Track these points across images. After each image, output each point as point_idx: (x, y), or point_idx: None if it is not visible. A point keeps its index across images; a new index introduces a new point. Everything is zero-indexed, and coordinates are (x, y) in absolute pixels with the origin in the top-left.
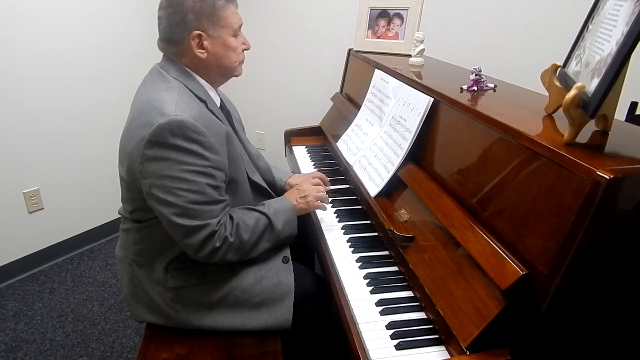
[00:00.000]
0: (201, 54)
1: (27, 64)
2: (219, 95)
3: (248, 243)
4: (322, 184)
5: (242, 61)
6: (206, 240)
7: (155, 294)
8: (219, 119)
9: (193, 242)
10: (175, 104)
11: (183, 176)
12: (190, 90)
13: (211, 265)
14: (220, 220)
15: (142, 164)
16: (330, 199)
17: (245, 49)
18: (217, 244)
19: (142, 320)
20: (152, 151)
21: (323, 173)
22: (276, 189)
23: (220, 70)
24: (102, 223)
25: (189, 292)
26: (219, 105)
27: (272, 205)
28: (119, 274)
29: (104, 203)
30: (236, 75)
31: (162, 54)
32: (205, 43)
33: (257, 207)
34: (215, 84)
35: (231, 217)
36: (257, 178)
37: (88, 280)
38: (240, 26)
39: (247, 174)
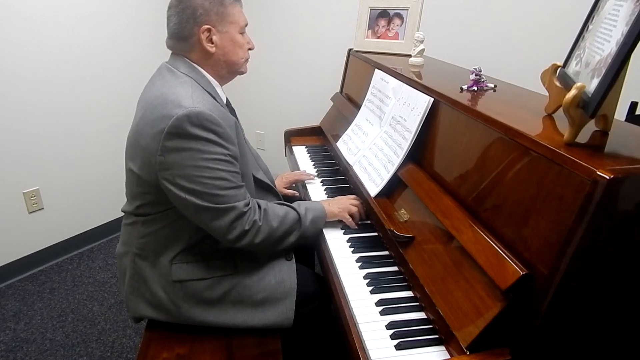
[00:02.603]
0: (210, 47)
1: (27, 63)
2: (224, 93)
3: (277, 231)
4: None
5: (247, 59)
6: (234, 221)
7: (158, 288)
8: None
9: (222, 224)
10: (191, 96)
11: (206, 165)
12: (200, 86)
13: (215, 259)
14: (248, 203)
15: (162, 155)
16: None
17: (249, 48)
18: (247, 227)
19: (142, 316)
20: (173, 142)
21: (323, 173)
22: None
23: (228, 66)
24: (102, 223)
25: (191, 286)
26: (225, 102)
27: (302, 204)
28: (119, 271)
29: (104, 203)
30: (241, 73)
31: (165, 54)
32: (214, 38)
33: (287, 203)
34: (222, 80)
35: (259, 205)
36: (261, 175)
37: (88, 280)
38: (245, 25)
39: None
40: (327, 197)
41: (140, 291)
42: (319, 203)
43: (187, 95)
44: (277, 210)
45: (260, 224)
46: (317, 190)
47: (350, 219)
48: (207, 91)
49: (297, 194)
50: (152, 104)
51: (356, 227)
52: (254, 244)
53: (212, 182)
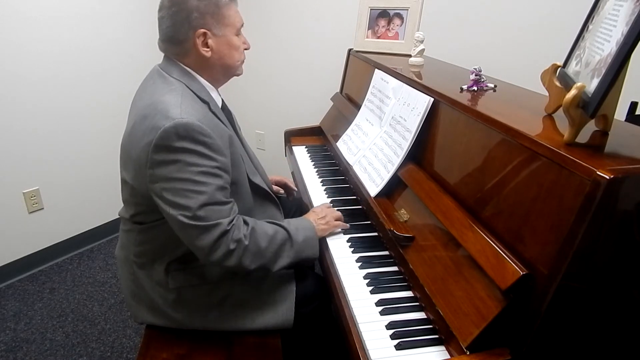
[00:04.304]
0: (205, 52)
1: (27, 64)
2: (220, 95)
3: (267, 252)
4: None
5: (243, 61)
6: (218, 240)
7: (157, 295)
8: (221, 122)
9: (205, 243)
10: (180, 106)
11: (192, 177)
12: (193, 91)
13: (211, 265)
14: (232, 220)
15: (151, 168)
16: (330, 199)
17: (245, 49)
18: (232, 246)
19: (143, 322)
20: (160, 155)
21: (323, 173)
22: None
23: (224, 69)
24: (102, 223)
25: (190, 293)
26: (220, 106)
27: (292, 222)
28: (119, 275)
29: (104, 203)
30: (237, 75)
31: (161, 54)
32: (210, 42)
33: (277, 222)
34: (217, 84)
35: (246, 222)
36: (258, 180)
37: (88, 280)
38: (241, 25)
39: (247, 175)
40: (327, 197)
41: (140, 297)
42: (308, 221)
43: (175, 104)
44: (266, 229)
45: (246, 243)
46: (317, 190)
47: (341, 223)
48: (200, 97)
49: (281, 191)
50: (142, 114)
51: (347, 227)
52: (242, 264)
53: (197, 197)
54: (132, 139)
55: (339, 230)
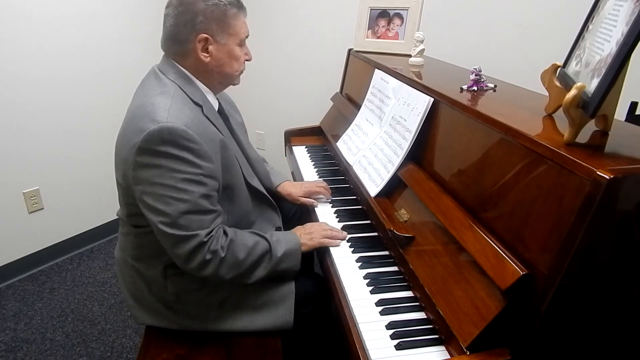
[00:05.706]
0: (204, 57)
1: (27, 63)
2: (217, 99)
3: (244, 263)
4: (331, 229)
5: (242, 71)
6: (195, 251)
7: (156, 297)
8: (214, 125)
9: (181, 252)
10: (168, 110)
11: (174, 184)
12: (186, 94)
13: None
14: (210, 232)
15: (134, 170)
16: (330, 199)
17: (246, 60)
18: (207, 257)
19: (143, 323)
20: (143, 158)
21: (323, 173)
22: (274, 195)
23: (221, 77)
24: (102, 223)
25: (189, 296)
26: (216, 109)
27: (275, 234)
28: (118, 276)
29: (104, 203)
30: (234, 84)
31: (161, 55)
32: (211, 48)
33: (260, 233)
34: (213, 89)
35: (225, 233)
36: (256, 183)
37: (88, 280)
38: (246, 37)
39: (245, 178)
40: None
41: (140, 299)
42: (293, 234)
43: (164, 107)
44: (246, 240)
45: (222, 254)
46: None
47: (330, 240)
48: (194, 100)
49: (315, 203)
50: (133, 114)
51: (342, 241)
52: (218, 275)
53: (177, 204)
54: (122, 140)
55: (340, 228)
